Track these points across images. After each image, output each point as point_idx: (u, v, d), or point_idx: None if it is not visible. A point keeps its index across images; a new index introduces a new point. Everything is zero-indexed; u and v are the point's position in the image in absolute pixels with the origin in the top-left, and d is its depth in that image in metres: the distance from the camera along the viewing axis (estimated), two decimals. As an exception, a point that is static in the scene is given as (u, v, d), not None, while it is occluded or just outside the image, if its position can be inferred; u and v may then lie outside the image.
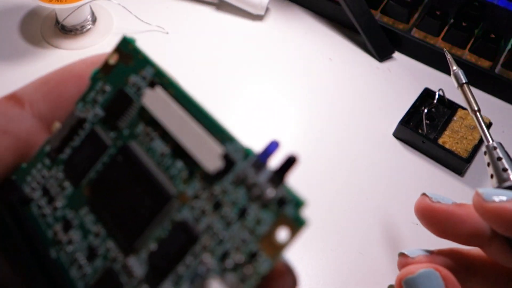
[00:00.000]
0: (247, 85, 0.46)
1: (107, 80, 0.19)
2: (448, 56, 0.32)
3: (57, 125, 0.20)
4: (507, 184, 0.25)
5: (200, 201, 0.16)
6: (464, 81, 0.30)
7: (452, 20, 0.50)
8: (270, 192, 0.15)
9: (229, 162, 0.16)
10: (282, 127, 0.43)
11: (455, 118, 0.43)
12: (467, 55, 0.48)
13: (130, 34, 0.49)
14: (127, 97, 0.18)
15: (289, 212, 0.15)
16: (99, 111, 0.19)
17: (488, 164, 0.27)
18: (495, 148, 0.27)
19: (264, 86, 0.46)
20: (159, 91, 0.18)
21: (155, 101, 0.17)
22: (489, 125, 0.42)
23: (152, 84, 0.18)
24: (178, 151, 0.17)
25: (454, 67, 0.31)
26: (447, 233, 0.24)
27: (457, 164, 0.41)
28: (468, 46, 0.48)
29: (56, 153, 0.19)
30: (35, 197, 0.19)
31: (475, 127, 0.42)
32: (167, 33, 0.49)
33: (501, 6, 0.51)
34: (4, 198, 0.19)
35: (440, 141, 0.41)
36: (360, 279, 0.35)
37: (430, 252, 0.25)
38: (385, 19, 0.51)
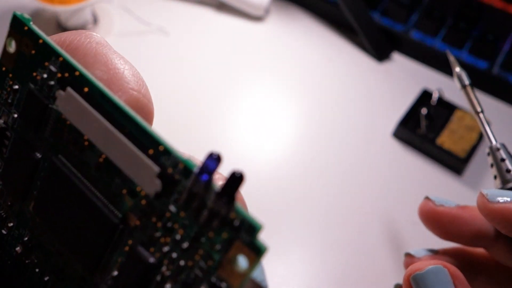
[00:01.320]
0: (247, 85, 0.47)
1: (13, 74, 0.16)
2: (451, 58, 0.32)
3: None
4: (511, 185, 0.26)
5: (150, 225, 0.14)
6: (467, 83, 0.30)
7: (450, 21, 0.50)
8: (221, 216, 0.13)
9: (168, 181, 0.14)
10: (281, 128, 0.44)
11: (453, 118, 0.43)
12: (465, 56, 0.49)
13: (130, 35, 0.50)
14: (39, 100, 0.15)
15: (245, 239, 0.13)
16: (16, 116, 0.16)
17: (492, 165, 0.27)
18: (498, 149, 0.27)
19: (263, 86, 0.47)
20: (71, 93, 0.14)
21: (70, 106, 0.14)
22: (487, 126, 0.43)
23: (62, 83, 0.15)
24: (112, 165, 0.14)
25: (457, 69, 0.32)
26: (452, 235, 0.25)
27: (455, 164, 0.41)
28: (466, 47, 0.49)
29: None
30: None
31: (473, 127, 0.43)
32: (168, 34, 0.50)
33: (498, 7, 0.51)
34: None
35: (439, 141, 0.42)
36: (360, 279, 0.35)
37: (435, 252, 0.26)
38: (384, 20, 0.51)
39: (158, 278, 0.14)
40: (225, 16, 0.52)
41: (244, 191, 0.41)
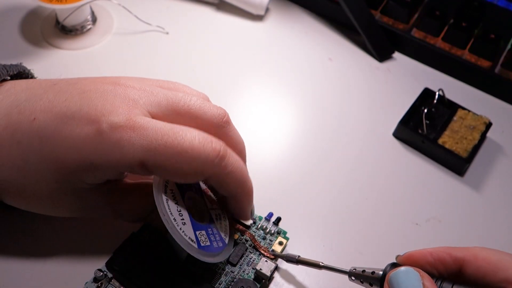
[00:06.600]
0: (247, 84, 0.46)
1: None
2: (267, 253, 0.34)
3: None
4: (381, 273, 0.28)
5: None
6: (297, 255, 0.33)
7: (451, 20, 0.50)
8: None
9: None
10: (281, 127, 0.44)
11: (455, 118, 0.43)
12: (467, 55, 0.48)
13: (129, 33, 0.49)
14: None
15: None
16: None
17: (362, 281, 0.29)
18: (352, 273, 0.30)
19: (263, 86, 0.47)
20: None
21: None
22: (488, 125, 0.43)
23: None
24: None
25: (283, 256, 0.34)
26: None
27: (457, 164, 0.41)
28: (468, 46, 0.48)
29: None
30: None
31: (475, 127, 0.42)
32: (167, 33, 0.49)
33: (500, 6, 0.51)
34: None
35: (440, 141, 0.42)
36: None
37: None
38: (385, 19, 0.51)
39: None
40: (225, 14, 0.52)
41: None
